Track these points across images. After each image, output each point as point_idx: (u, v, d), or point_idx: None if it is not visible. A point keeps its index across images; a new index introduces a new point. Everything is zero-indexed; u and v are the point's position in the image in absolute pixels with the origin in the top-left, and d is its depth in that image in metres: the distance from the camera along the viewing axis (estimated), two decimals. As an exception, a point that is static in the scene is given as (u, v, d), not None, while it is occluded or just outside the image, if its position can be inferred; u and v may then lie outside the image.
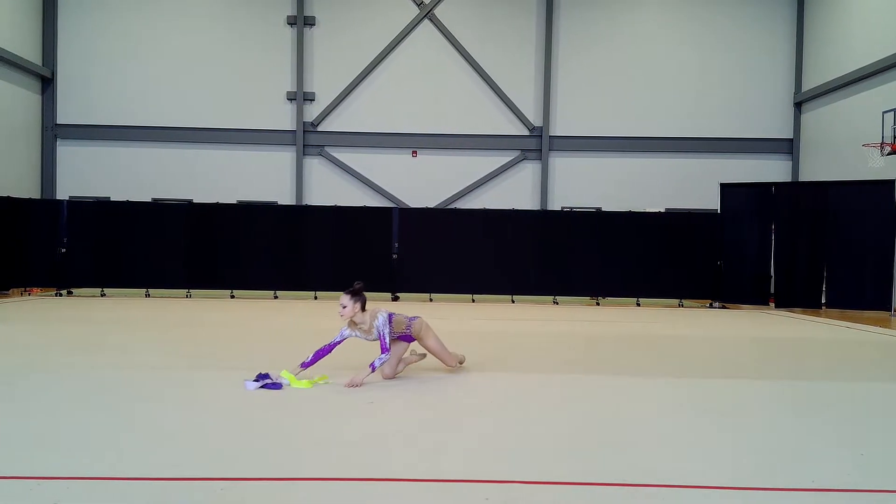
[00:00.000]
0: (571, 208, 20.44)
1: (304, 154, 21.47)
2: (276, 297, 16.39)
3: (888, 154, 15.59)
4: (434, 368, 7.14)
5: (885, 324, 13.29)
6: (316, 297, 16.46)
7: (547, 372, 7.04)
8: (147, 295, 16.33)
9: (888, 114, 15.77)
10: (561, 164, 21.64)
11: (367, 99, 21.51)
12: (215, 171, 21.25)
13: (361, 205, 18.67)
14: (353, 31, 21.47)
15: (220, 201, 17.81)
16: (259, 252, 16.46)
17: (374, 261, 16.45)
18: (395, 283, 16.54)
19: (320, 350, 6.43)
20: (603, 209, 19.25)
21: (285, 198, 21.21)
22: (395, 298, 16.54)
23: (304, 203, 20.75)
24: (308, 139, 21.49)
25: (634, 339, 10.19)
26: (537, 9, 21.55)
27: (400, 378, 6.62)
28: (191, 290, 16.56)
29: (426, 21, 21.52)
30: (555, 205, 21.40)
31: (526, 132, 21.62)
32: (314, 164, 21.64)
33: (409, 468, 3.86)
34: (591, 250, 16.30)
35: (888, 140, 15.65)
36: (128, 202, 17.02)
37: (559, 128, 21.64)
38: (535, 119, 21.62)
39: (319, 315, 12.75)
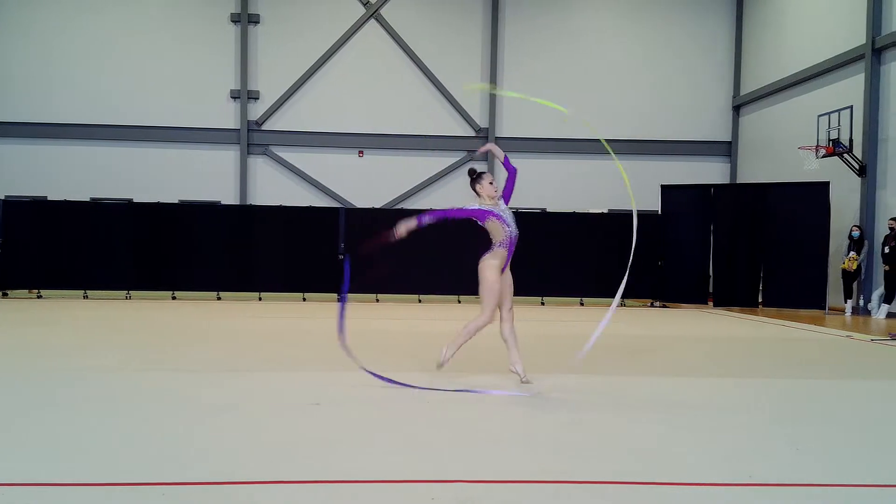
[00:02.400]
0: (517, 209, 20.55)
1: (248, 153, 21.22)
2: (219, 299, 16.16)
3: (823, 157, 16.09)
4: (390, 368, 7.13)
5: (819, 322, 13.71)
6: (260, 299, 16.28)
7: (490, 372, 7.09)
8: (85, 296, 15.95)
9: (823, 117, 16.29)
10: (507, 165, 21.73)
11: (313, 98, 21.37)
12: (157, 170, 20.86)
13: (307, 205, 18.53)
14: (299, 30, 21.31)
15: (162, 201, 17.48)
16: (202, 253, 16.20)
17: (320, 261, 16.34)
18: (342, 283, 16.42)
19: (446, 211, 6.66)
20: (548, 210, 19.44)
21: (229, 197, 20.93)
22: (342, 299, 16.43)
23: (248, 203, 20.50)
24: (252, 138, 21.24)
25: (577, 338, 10.31)
26: (483, 10, 21.68)
27: (346, 378, 6.58)
28: (131, 292, 16.22)
29: (372, 21, 21.47)
30: (501, 205, 21.49)
31: (472, 133, 21.73)
32: (259, 164, 21.40)
33: (355, 469, 3.85)
34: (535, 251, 16.40)
35: (823, 143, 16.16)
36: (66, 202, 16.60)
37: (505, 129, 21.80)
38: (482, 120, 21.74)
39: (264, 315, 12.61)
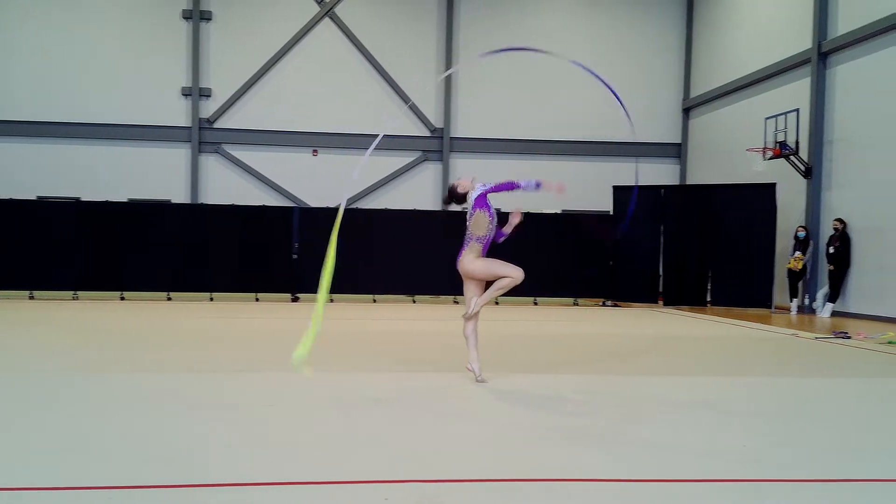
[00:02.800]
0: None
1: (199, 151, 20.95)
2: (169, 299, 15.92)
3: (770, 158, 16.45)
4: (348, 368, 7.11)
5: (766, 320, 14.02)
6: (212, 299, 16.08)
7: (443, 371, 7.11)
8: (31, 297, 15.58)
9: (770, 120, 16.65)
10: (462, 165, 21.84)
11: (266, 96, 21.17)
12: (106, 168, 20.46)
13: (260, 204, 18.35)
14: (252, 27, 21.10)
15: (111, 199, 17.15)
16: (152, 252, 15.91)
17: (274, 261, 16.20)
18: (296, 284, 16.33)
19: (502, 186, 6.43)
20: (501, 210, 19.51)
21: (180, 196, 20.62)
22: (295, 299, 16.34)
23: (199, 202, 20.23)
24: (204, 136, 20.98)
25: (531, 337, 10.41)
26: (438, 10, 21.70)
27: (300, 379, 6.54)
28: (78, 292, 15.88)
29: (327, 19, 21.35)
30: (456, 205, 21.53)
31: (427, 133, 21.75)
32: (210, 162, 21.14)
33: (307, 471, 3.84)
34: (491, 250, 16.49)
35: (770, 145, 16.52)
36: (11, 200, 16.16)
37: (460, 129, 21.86)
38: (437, 120, 21.78)
39: (215, 316, 12.46)
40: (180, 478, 3.70)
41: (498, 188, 6.37)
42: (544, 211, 18.41)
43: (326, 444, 4.41)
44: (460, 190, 6.60)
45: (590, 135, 21.96)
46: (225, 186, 20.81)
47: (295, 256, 16.29)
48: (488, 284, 6.49)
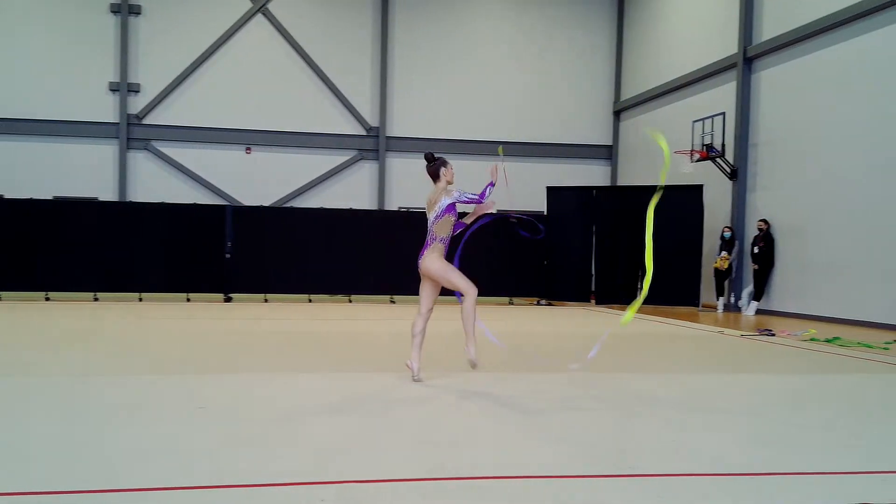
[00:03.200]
0: (409, 209, 20.68)
1: (128, 148, 20.45)
2: (96, 299, 15.50)
3: (697, 161, 16.89)
4: (269, 369, 7.04)
5: (693, 318, 14.41)
6: (141, 299, 15.72)
7: (382, 370, 7.12)
8: (-51, 298, 14.97)
9: (697, 123, 17.10)
10: (398, 164, 21.85)
11: (198, 92, 20.79)
12: (30, 164, 19.80)
13: (192, 202, 18.00)
14: (183, 22, 20.69)
15: (35, 197, 16.58)
16: (78, 251, 15.46)
17: (206, 261, 15.93)
18: (229, 283, 16.09)
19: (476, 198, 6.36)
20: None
21: (108, 194, 20.10)
22: (228, 300, 16.10)
23: (128, 200, 19.75)
24: (132, 132, 20.49)
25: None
26: (373, 8, 21.64)
27: (231, 381, 6.47)
28: (1, 293, 15.31)
29: (260, 15, 21.08)
30: (392, 205, 21.58)
31: (363, 132, 21.68)
32: (139, 159, 20.66)
33: (240, 474, 3.81)
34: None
35: (697, 148, 16.97)
36: (-74, 197, 15.53)
37: (396, 129, 21.85)
38: (373, 119, 21.72)
39: (144, 317, 12.19)
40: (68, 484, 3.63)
41: (469, 201, 6.34)
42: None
43: (260, 444, 4.38)
44: (442, 174, 6.49)
45: (524, 135, 22.21)
46: (155, 184, 20.36)
47: (228, 256, 16.05)
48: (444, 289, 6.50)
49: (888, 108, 13.05)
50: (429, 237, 6.46)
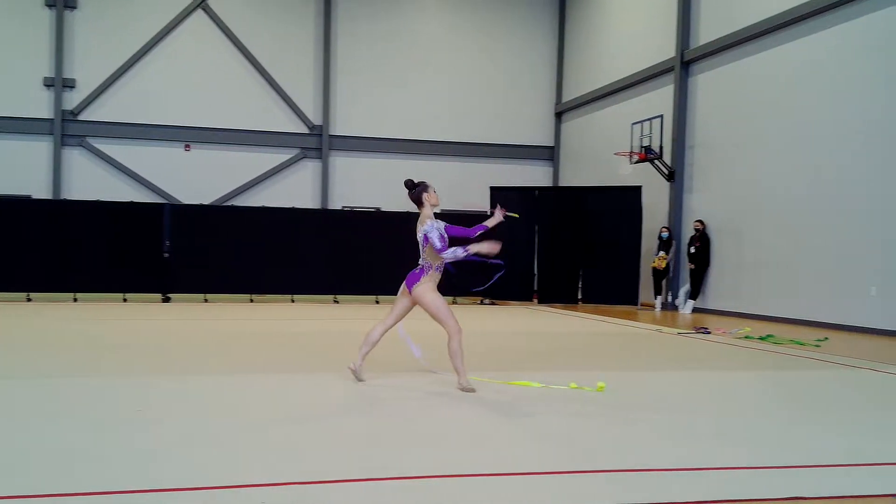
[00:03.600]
0: (352, 208, 20.61)
1: (62, 145, 19.92)
2: (28, 300, 15.05)
3: (636, 162, 17.21)
4: (199, 372, 6.95)
5: (632, 317, 14.68)
6: (76, 300, 15.33)
7: (319, 371, 7.10)
8: None
9: (636, 125, 17.41)
10: (342, 163, 21.74)
11: (136, 88, 20.36)
12: (-43, 160, 19.15)
13: (129, 200, 17.61)
14: (120, 17, 20.24)
15: (-37, 194, 16.06)
16: (10, 251, 14.98)
17: (144, 260, 15.60)
18: (167, 283, 15.80)
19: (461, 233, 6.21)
20: (382, 209, 19.56)
21: (41, 192, 19.53)
22: (167, 300, 15.81)
23: (62, 198, 19.23)
24: (67, 129, 19.97)
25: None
26: (315, 6, 21.49)
27: (169, 383, 6.37)
28: (-74, 294, 14.78)
29: (200, 11, 20.75)
30: (335, 204, 21.46)
31: (306, 130, 21.52)
32: (75, 156, 20.14)
33: (178, 477, 3.77)
34: (371, 249, 16.42)
35: (636, 149, 17.29)
36: None
37: (339, 127, 21.74)
38: (315, 118, 21.57)
39: (78, 318, 11.90)
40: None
41: (438, 250, 6.04)
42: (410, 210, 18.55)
43: (184, 450, 4.34)
44: (424, 199, 6.24)
45: (468, 136, 22.33)
46: (91, 182, 19.87)
47: (166, 255, 15.75)
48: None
49: (813, 112, 13.50)
50: (422, 262, 6.25)
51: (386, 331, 6.44)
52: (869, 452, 4.54)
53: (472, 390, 6.16)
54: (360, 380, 6.42)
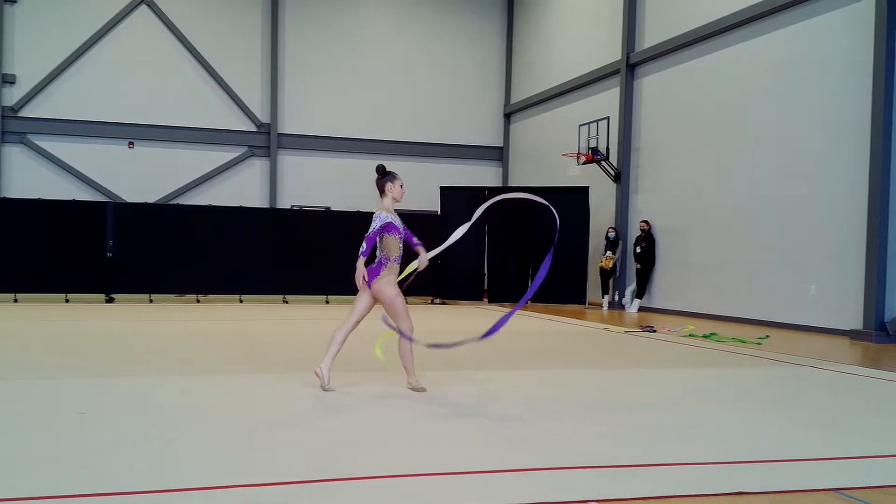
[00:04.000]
0: (301, 207, 20.45)
1: (2, 142, 19.38)
2: (-34, 301, 14.62)
3: (583, 163, 17.43)
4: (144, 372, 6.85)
5: (580, 316, 14.87)
6: (16, 300, 14.93)
7: (265, 371, 7.04)
8: None
9: (583, 127, 17.64)
10: (290, 162, 21.57)
11: (78, 84, 19.90)
12: None
13: (71, 198, 17.21)
14: (62, 11, 19.77)
15: None
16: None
17: (86, 260, 15.28)
18: (110, 283, 15.48)
19: (370, 239, 5.91)
20: (333, 209, 19.45)
21: (-22, 190, 18.98)
22: (110, 300, 15.50)
23: (2, 196, 18.68)
24: (7, 125, 19.43)
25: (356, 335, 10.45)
26: (262, 4, 21.27)
27: (114, 385, 6.26)
28: None
29: (144, 6, 20.37)
30: (284, 203, 21.27)
31: (254, 128, 21.29)
32: (14, 153, 19.61)
33: (122, 481, 3.71)
34: (321, 249, 16.33)
35: (584, 151, 17.51)
36: None
37: (288, 126, 21.56)
38: (263, 116, 21.35)
39: (19, 318, 11.60)
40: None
41: (367, 239, 5.94)
42: (361, 210, 18.51)
43: (140, 451, 4.28)
44: (387, 189, 6.17)
45: (419, 136, 22.35)
46: (31, 180, 19.37)
47: (109, 255, 15.44)
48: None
49: (755, 114, 13.84)
50: (379, 255, 6.10)
51: (350, 331, 6.18)
52: (810, 447, 4.68)
53: (423, 389, 6.17)
54: (326, 389, 6.07)
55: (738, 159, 14.23)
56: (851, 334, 11.53)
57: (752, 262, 13.78)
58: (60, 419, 5.00)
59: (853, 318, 11.68)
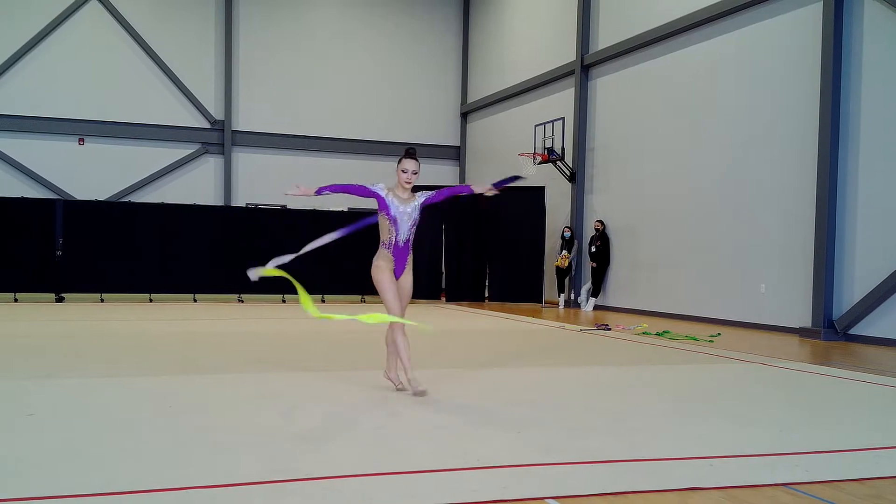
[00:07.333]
0: (256, 205, 20.24)
1: (-55, 137, 18.83)
2: None
3: (539, 163, 17.55)
4: (102, 375, 6.74)
5: (537, 314, 14.98)
6: (-39, 300, 14.56)
7: (237, 371, 6.97)
8: None
9: (539, 127, 17.77)
10: (245, 159, 21.34)
11: (26, 79, 19.44)
12: None
13: (19, 196, 16.80)
14: (9, 5, 19.30)
15: None
16: None
17: (35, 259, 14.94)
18: (60, 282, 15.15)
19: (347, 186, 5.77)
20: (288, 207, 19.27)
21: (-80, 186, 18.43)
22: (60, 300, 15.17)
23: (-56, 193, 18.19)
24: (-50, 120, 18.89)
25: (314, 334, 10.42)
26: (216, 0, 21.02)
27: (62, 385, 6.14)
28: None
29: (95, 1, 19.95)
30: (239, 201, 21.04)
31: (207, 125, 21.01)
32: (-42, 150, 19.07)
33: (73, 485, 3.65)
34: (277, 247, 16.02)
35: (539, 150, 17.64)
36: None
37: (243, 123, 21.32)
38: (217, 112, 21.09)
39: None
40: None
41: (434, 198, 6.17)
42: (331, 209, 18.44)
43: (90, 454, 4.20)
44: (397, 168, 6.10)
45: (377, 134, 22.29)
46: (-25, 176, 18.87)
47: (59, 253, 15.11)
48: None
49: (705, 115, 14.09)
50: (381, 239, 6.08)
51: (402, 325, 5.95)
52: (760, 443, 4.78)
53: (423, 392, 5.95)
54: (417, 390, 5.88)
55: (690, 159, 14.47)
56: (801, 332, 11.79)
57: (703, 260, 14.02)
58: (9, 421, 4.88)
59: (802, 315, 11.95)
